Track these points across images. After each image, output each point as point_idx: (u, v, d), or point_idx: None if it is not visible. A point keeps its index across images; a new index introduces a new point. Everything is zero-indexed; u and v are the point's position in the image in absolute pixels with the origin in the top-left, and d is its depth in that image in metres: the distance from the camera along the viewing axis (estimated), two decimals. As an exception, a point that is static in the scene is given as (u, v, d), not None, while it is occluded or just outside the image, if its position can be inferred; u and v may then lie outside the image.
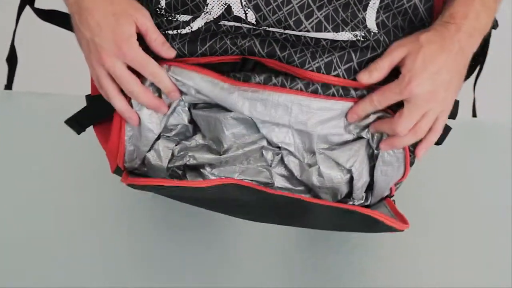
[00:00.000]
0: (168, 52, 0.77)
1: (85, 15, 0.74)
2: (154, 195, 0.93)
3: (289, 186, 0.84)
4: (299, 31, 0.77)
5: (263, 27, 0.77)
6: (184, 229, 1.01)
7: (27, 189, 1.04)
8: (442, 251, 0.97)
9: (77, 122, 0.83)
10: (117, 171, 0.86)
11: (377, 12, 0.77)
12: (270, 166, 0.83)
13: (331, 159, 0.81)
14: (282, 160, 0.83)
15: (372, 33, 0.77)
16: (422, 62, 0.73)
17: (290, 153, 0.82)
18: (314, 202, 0.79)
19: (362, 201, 0.84)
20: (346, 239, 1.01)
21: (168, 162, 0.83)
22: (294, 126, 0.78)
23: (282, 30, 0.77)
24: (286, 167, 0.83)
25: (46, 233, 0.97)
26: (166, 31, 0.78)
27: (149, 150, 0.83)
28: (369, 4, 0.77)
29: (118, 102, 0.78)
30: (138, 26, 0.75)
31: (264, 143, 0.81)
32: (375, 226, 0.79)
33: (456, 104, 0.83)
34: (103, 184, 0.98)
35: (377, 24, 0.77)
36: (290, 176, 0.84)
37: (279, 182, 0.83)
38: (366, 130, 0.79)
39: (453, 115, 0.82)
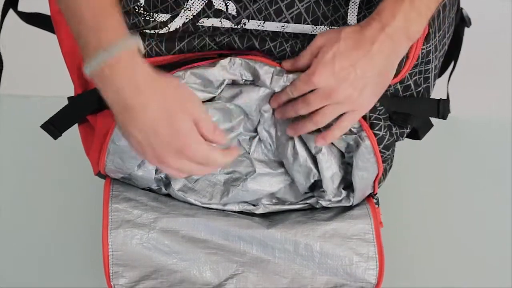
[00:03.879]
0: (220, 137, 0.72)
1: (133, 114, 0.66)
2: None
3: (269, 170, 0.85)
4: (279, 21, 0.77)
5: (242, 22, 0.78)
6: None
7: (11, 190, 1.04)
8: (439, 251, 0.98)
9: (53, 126, 0.82)
10: (100, 174, 0.86)
11: (359, 7, 0.78)
12: (249, 153, 0.84)
13: (303, 139, 0.82)
14: (259, 142, 0.84)
15: None
16: (331, 56, 0.72)
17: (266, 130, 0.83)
18: None
19: (341, 198, 0.86)
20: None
21: (155, 172, 0.84)
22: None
23: (261, 23, 0.78)
24: (264, 148, 0.84)
25: (30, 234, 0.97)
26: (144, 30, 0.77)
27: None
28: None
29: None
30: (192, 117, 0.70)
31: (241, 129, 0.82)
32: None
33: (447, 104, 0.83)
34: (89, 185, 0.98)
35: (358, 20, 0.78)
36: (268, 161, 0.85)
37: (260, 168, 0.85)
38: None
39: (443, 115, 0.83)
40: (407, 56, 0.77)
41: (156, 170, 0.83)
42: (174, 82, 0.70)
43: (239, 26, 0.78)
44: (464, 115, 1.00)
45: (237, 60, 0.77)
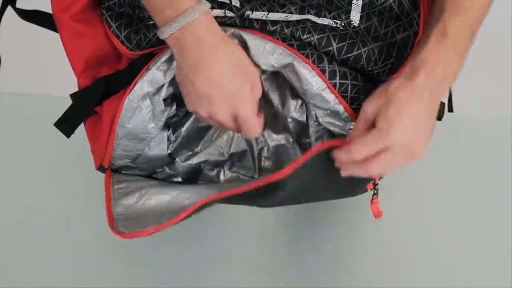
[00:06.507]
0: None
1: (204, 69, 0.73)
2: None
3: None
4: (283, 12, 0.78)
5: (246, 14, 0.78)
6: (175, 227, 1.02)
7: (11, 189, 1.04)
8: (437, 250, 0.97)
9: (65, 123, 0.84)
10: (101, 168, 0.87)
11: (363, 9, 0.79)
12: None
13: None
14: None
15: (352, 26, 0.78)
16: (396, 110, 0.72)
17: None
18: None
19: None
20: (329, 237, 1.01)
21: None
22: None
23: (265, 14, 0.78)
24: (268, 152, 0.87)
25: (31, 234, 0.97)
26: (147, 23, 0.79)
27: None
28: (352, 1, 0.79)
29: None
30: (251, 80, 0.76)
31: None
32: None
33: (442, 106, 0.83)
34: (89, 183, 0.98)
35: (361, 17, 0.79)
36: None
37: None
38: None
39: (439, 117, 0.83)
40: (410, 49, 0.79)
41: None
42: (236, 44, 0.76)
43: (243, 17, 0.79)
44: (464, 113, 1.00)
45: (231, 29, 0.77)
